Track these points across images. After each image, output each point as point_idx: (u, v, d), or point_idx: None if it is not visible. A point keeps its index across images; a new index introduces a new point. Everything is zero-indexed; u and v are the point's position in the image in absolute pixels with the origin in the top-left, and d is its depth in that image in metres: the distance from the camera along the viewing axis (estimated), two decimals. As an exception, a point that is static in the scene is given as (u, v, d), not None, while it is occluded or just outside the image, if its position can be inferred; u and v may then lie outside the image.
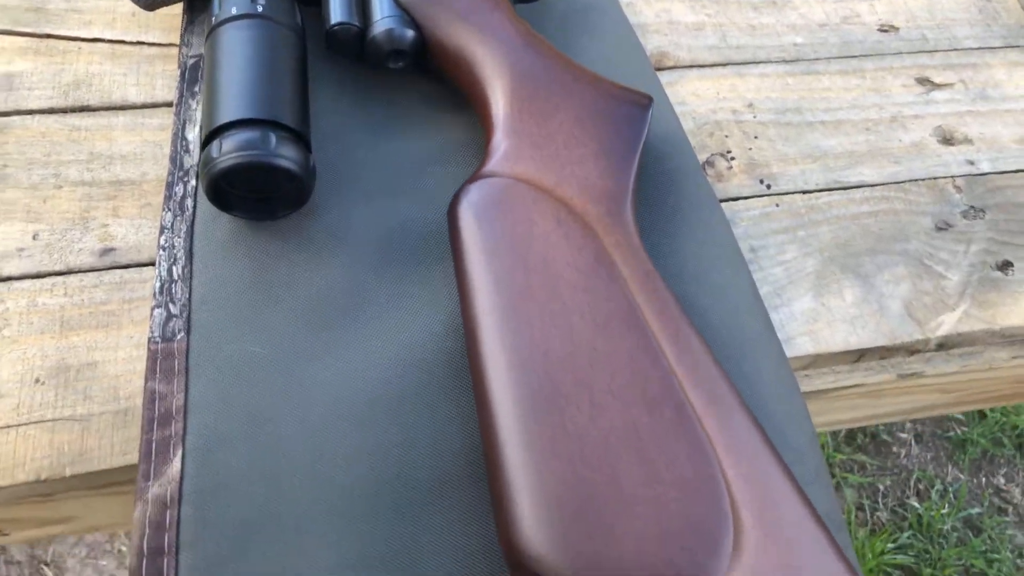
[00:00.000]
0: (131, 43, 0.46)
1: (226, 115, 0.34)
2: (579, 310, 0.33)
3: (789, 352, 0.41)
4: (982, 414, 1.49)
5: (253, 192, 0.36)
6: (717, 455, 0.30)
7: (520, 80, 0.39)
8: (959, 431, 1.48)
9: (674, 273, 0.39)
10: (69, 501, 0.37)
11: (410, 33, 0.41)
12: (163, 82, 0.45)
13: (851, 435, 1.46)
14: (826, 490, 0.35)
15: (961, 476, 1.42)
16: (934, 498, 1.38)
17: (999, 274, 0.44)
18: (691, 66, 0.51)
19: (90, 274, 0.39)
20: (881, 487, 1.39)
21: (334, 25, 0.41)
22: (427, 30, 0.41)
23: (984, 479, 1.44)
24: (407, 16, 0.41)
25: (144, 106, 0.44)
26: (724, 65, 0.51)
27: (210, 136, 0.35)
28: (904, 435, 1.47)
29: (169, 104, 0.44)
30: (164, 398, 0.33)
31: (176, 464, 0.31)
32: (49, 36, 0.46)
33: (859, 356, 0.42)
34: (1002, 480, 1.43)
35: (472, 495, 0.33)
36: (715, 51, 0.52)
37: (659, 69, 0.50)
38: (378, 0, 0.41)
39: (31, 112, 0.43)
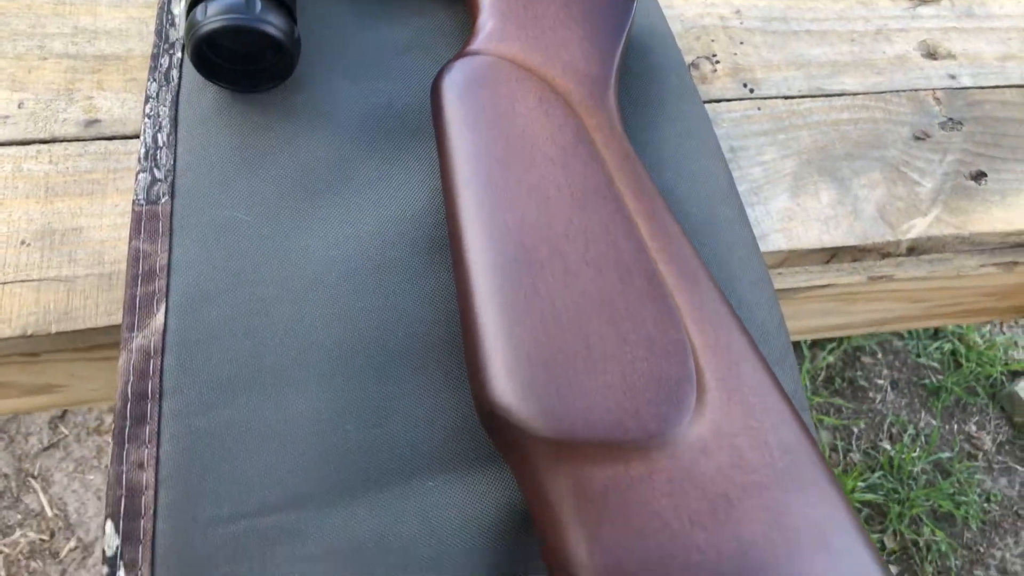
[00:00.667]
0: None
1: (215, -15, 0.34)
2: (556, 183, 0.33)
3: (763, 247, 0.42)
4: (957, 362, 1.52)
5: (238, 62, 0.36)
6: (684, 322, 0.31)
7: (508, -37, 0.39)
8: (934, 379, 1.50)
9: (653, 161, 0.39)
10: (55, 365, 0.38)
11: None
12: (150, -38, 0.45)
13: (829, 379, 1.49)
14: (791, 372, 0.36)
15: (933, 422, 1.45)
16: (906, 442, 1.41)
17: (972, 183, 0.45)
18: (681, -30, 0.51)
19: (75, 143, 0.39)
20: (856, 430, 1.42)
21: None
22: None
23: (956, 426, 1.47)
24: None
25: (130, -15, 0.44)
26: (714, -30, 0.52)
27: (195, 1, 0.35)
28: (880, 381, 1.50)
29: (156, -16, 0.44)
30: (148, 256, 0.33)
31: (160, 317, 0.32)
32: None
33: (831, 255, 0.43)
34: (973, 427, 1.47)
35: (448, 364, 0.34)
36: (706, -43, 0.52)
37: (649, -28, 0.50)
38: None
39: (16, -15, 0.43)
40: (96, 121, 0.39)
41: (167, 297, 0.33)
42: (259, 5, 0.34)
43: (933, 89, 0.49)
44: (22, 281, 0.35)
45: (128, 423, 0.30)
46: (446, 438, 0.32)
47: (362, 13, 0.42)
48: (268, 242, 0.35)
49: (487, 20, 0.38)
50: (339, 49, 0.41)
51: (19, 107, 0.39)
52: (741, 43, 0.49)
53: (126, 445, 0.30)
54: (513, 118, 0.35)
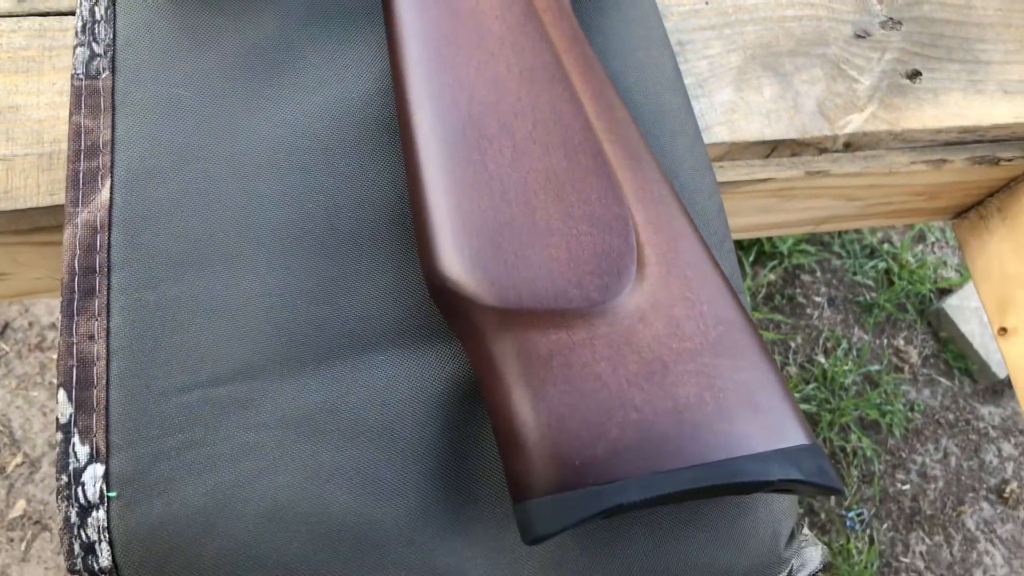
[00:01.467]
0: None
1: None
2: (505, 61, 0.34)
3: (707, 139, 0.43)
4: (890, 281, 1.58)
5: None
6: (627, 200, 0.32)
7: None
8: (868, 296, 1.56)
9: (601, 47, 0.40)
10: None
11: None
12: None
13: (769, 296, 1.53)
14: (730, 256, 0.38)
15: (865, 336, 1.52)
16: (839, 355, 1.47)
17: (907, 82, 0.47)
18: None
19: (7, 19, 0.37)
20: (792, 344, 1.48)
21: None
22: None
23: (886, 340, 1.54)
24: None
25: None
26: None
27: None
28: (818, 299, 1.55)
29: None
30: (91, 132, 0.33)
31: (105, 193, 0.32)
32: None
33: (772, 149, 0.44)
34: (902, 342, 1.54)
35: (398, 242, 0.34)
36: None
37: None
38: None
39: None
40: (28, -4, 0.38)
41: (112, 173, 0.32)
42: None
43: (875, -11, 0.50)
44: (-42, 158, 0.34)
45: (76, 296, 0.30)
46: (397, 314, 0.33)
47: None
48: (214, 121, 0.34)
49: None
50: None
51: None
52: (691, -62, 0.48)
53: (75, 317, 0.30)
54: (461, -2, 0.35)
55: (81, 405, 0.29)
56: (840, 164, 0.47)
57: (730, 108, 0.43)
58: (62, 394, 0.29)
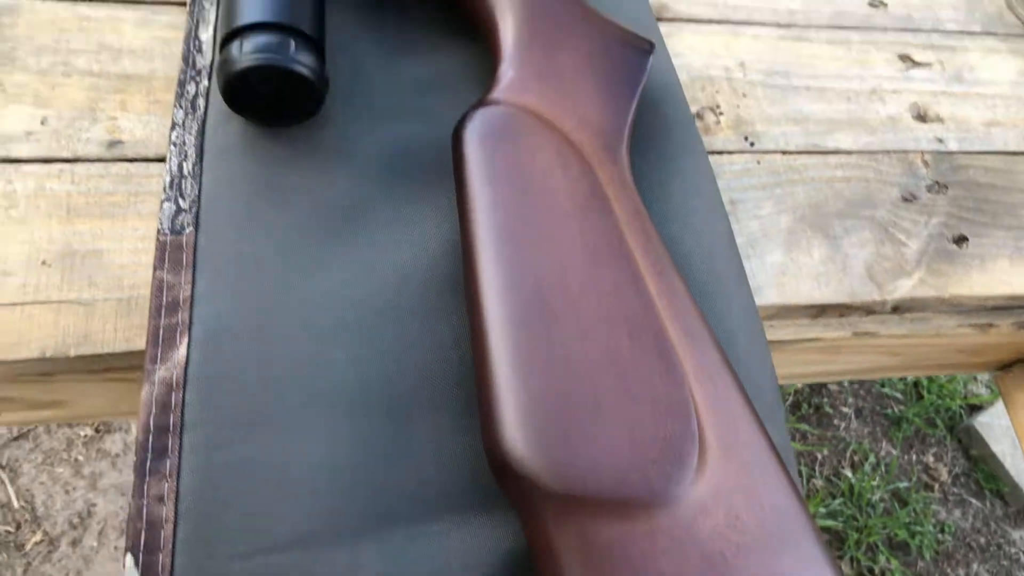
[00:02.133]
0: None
1: (247, 16, 0.35)
2: (572, 239, 0.35)
3: (758, 300, 0.43)
4: (919, 394, 1.57)
5: (267, 96, 0.37)
6: (688, 381, 0.33)
7: (531, 12, 0.40)
8: (896, 409, 1.55)
9: (660, 214, 0.41)
10: (67, 384, 0.39)
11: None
12: (175, -17, 0.46)
13: (796, 405, 1.52)
14: (780, 426, 0.38)
15: (893, 451, 1.49)
16: (867, 470, 1.45)
17: (954, 247, 0.48)
18: (689, 20, 0.53)
19: (97, 164, 0.39)
20: (819, 456, 1.46)
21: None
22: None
23: (915, 456, 1.51)
24: (426, -59, 0.42)
25: (154, 2, 0.45)
26: (720, 23, 0.53)
27: (229, 36, 0.36)
28: (846, 409, 1.54)
29: (179, 3, 0.45)
30: (172, 288, 0.34)
31: (182, 350, 0.33)
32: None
33: (820, 311, 0.45)
34: (931, 459, 1.51)
35: (460, 409, 0.35)
36: (712, 7, 0.54)
37: (658, 20, 0.52)
38: None
39: (41, -1, 0.43)
40: (119, 143, 0.40)
41: (190, 330, 0.33)
42: (292, 45, 0.35)
43: (922, 151, 0.51)
44: (42, 303, 0.36)
45: (150, 456, 0.31)
46: (454, 483, 0.33)
47: (386, 45, 0.44)
48: (289, 280, 0.36)
49: (508, 68, 0.40)
50: (363, 83, 0.42)
51: (42, 124, 0.40)
52: (744, 96, 0.50)
53: (147, 478, 0.30)
54: (532, 171, 0.36)
55: (147, 570, 0.29)
56: (887, 326, 0.48)
57: (780, 270, 0.44)
58: (129, 559, 0.29)
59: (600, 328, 0.33)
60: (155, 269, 0.34)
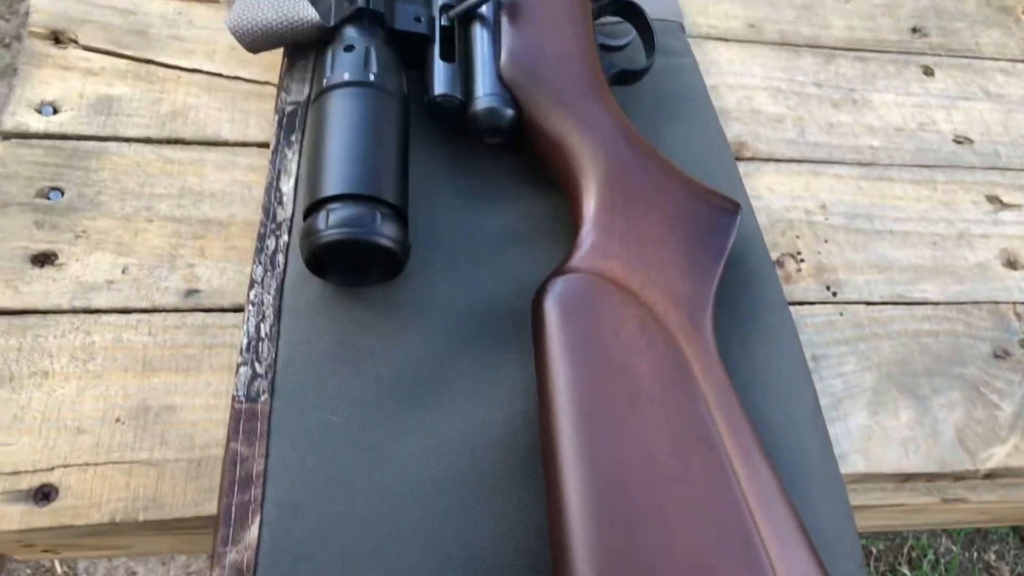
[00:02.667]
0: (228, 77, 0.47)
1: (331, 187, 0.35)
2: (657, 425, 0.34)
3: (842, 467, 0.41)
4: (981, 489, 1.50)
5: (349, 263, 0.37)
6: (778, 586, 0.31)
7: (615, 177, 0.40)
8: (956, 502, 1.48)
9: (744, 381, 0.39)
10: (133, 537, 0.38)
11: (510, 113, 0.41)
12: (256, 121, 0.46)
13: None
14: None
15: (954, 548, 1.43)
16: (925, 568, 1.38)
17: (1050, 409, 0.45)
18: (768, 159, 0.52)
19: (174, 314, 0.39)
20: (874, 550, 1.40)
21: (437, 96, 0.41)
22: (527, 111, 0.42)
23: (976, 554, 1.44)
24: (509, 94, 0.42)
25: (236, 144, 0.45)
26: (800, 162, 0.52)
27: (314, 206, 0.35)
28: (901, 500, 1.48)
29: (261, 144, 0.45)
30: (245, 461, 0.34)
31: (253, 531, 0.32)
32: (150, 62, 0.46)
33: (907, 478, 0.43)
34: (993, 556, 1.44)
35: None
36: (793, 146, 0.53)
37: (737, 159, 0.51)
38: (482, 75, 0.42)
39: (128, 140, 0.44)
40: (195, 291, 0.40)
41: (262, 508, 0.33)
42: (377, 217, 0.35)
43: (1014, 303, 0.49)
44: (114, 463, 0.35)
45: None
46: None
47: (465, 195, 0.43)
48: (362, 450, 0.35)
49: (590, 232, 0.39)
50: (442, 237, 0.41)
51: (123, 272, 0.40)
52: (825, 241, 0.49)
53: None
54: (615, 348, 0.35)
55: None
56: (978, 492, 0.45)
57: (866, 434, 0.42)
58: None
59: (686, 530, 0.31)
60: (229, 440, 0.34)
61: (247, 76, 0.47)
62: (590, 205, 0.39)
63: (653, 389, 0.35)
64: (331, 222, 0.34)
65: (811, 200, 0.51)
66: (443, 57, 0.42)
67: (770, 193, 0.50)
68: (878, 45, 0.59)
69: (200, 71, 0.47)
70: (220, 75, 0.47)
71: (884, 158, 0.54)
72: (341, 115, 0.37)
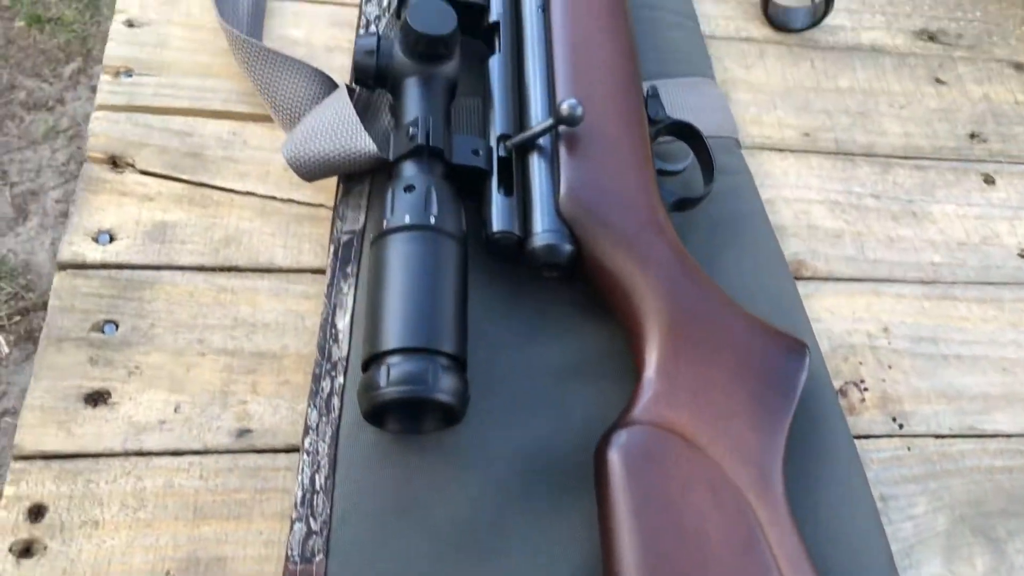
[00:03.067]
0: (282, 200, 0.47)
1: (392, 340, 0.34)
2: (731, 599, 0.32)
3: (916, 625, 0.39)
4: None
5: (406, 412, 0.36)
6: None
7: (679, 321, 0.39)
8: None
9: (811, 535, 0.38)
10: None
11: (568, 249, 0.40)
12: (310, 246, 0.46)
13: None
14: None
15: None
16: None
17: None
18: (828, 278, 0.50)
19: (226, 456, 0.39)
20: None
21: (495, 233, 0.41)
22: (587, 246, 0.41)
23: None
24: (567, 230, 0.41)
25: (290, 270, 0.45)
26: (861, 280, 0.51)
27: (374, 358, 0.35)
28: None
29: (314, 270, 0.45)
30: (299, 630, 0.32)
31: None
32: (204, 185, 0.46)
33: (985, 631, 0.41)
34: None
35: None
36: (852, 263, 0.51)
37: (796, 278, 0.49)
38: (540, 209, 0.41)
39: (181, 268, 0.44)
40: (248, 431, 0.39)
41: None
42: (437, 372, 0.34)
43: (1090, 434, 0.47)
44: (163, 623, 0.34)
45: None
46: None
47: (522, 330, 0.42)
48: (419, 614, 0.33)
49: (654, 380, 0.37)
50: (499, 376, 0.40)
51: (175, 411, 0.39)
52: (889, 367, 0.47)
53: None
54: (684, 509, 0.34)
55: None
56: (1060, 644, 0.43)
57: (941, 585, 0.40)
58: None
59: None
60: (283, 607, 0.33)
61: (301, 199, 0.47)
62: (653, 350, 0.38)
63: (723, 555, 0.33)
64: (392, 378, 0.34)
65: (873, 322, 0.49)
66: (501, 191, 0.42)
67: (830, 315, 0.49)
68: (936, 152, 0.58)
69: (254, 194, 0.47)
70: (274, 198, 0.47)
71: (947, 275, 0.52)
72: (401, 261, 0.37)
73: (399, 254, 0.37)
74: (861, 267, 0.51)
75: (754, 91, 0.58)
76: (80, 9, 1.68)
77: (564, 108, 0.40)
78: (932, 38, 0.64)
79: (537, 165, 0.42)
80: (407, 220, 0.38)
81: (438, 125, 0.41)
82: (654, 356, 0.38)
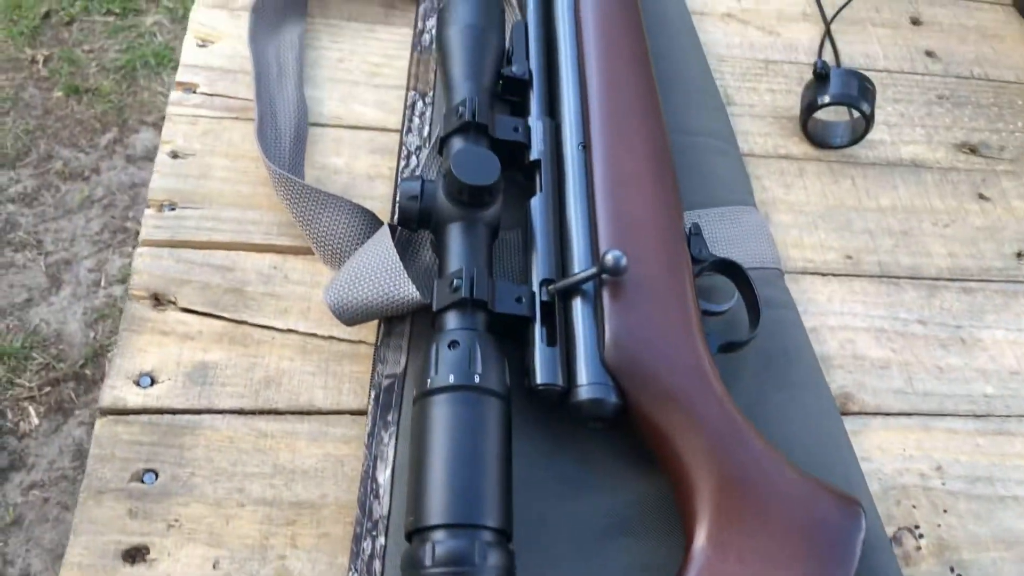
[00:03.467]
0: (323, 337, 0.46)
1: (436, 515, 0.34)
2: None
3: None
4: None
5: None
6: None
7: (729, 486, 0.37)
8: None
9: None
10: None
11: (614, 402, 0.40)
12: (350, 386, 0.45)
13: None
14: None
15: None
16: None
17: None
18: (876, 413, 0.49)
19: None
20: None
21: (539, 385, 0.40)
22: (632, 398, 0.40)
23: None
24: (613, 382, 0.40)
25: (330, 412, 0.44)
26: (910, 415, 0.49)
27: (417, 531, 0.34)
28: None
29: (354, 411, 0.44)
30: None
31: None
32: (245, 323, 0.46)
33: None
34: None
35: None
36: (901, 396, 0.50)
37: (843, 413, 0.48)
38: (584, 360, 0.40)
39: (221, 412, 0.43)
40: (293, 589, 0.38)
41: None
42: (482, 550, 0.33)
43: None
44: None
45: None
46: None
47: (566, 480, 0.41)
48: None
49: (704, 549, 0.36)
50: (544, 528, 0.39)
51: (214, 567, 0.39)
52: (944, 511, 0.46)
53: None
54: None
55: None
56: None
57: None
58: None
59: None
60: None
61: (341, 335, 0.47)
62: (703, 517, 0.37)
63: None
64: (437, 558, 0.33)
65: (925, 461, 0.47)
66: (544, 339, 0.41)
67: (880, 454, 0.47)
68: (982, 274, 0.56)
69: (295, 331, 0.47)
70: (315, 335, 0.47)
71: (1000, 408, 0.50)
72: (445, 425, 0.36)
73: (443, 417, 0.36)
74: (910, 400, 0.50)
75: (794, 212, 0.57)
76: (117, 80, 1.72)
77: (609, 259, 0.40)
78: (974, 151, 0.63)
79: (580, 311, 0.42)
80: (451, 380, 0.37)
81: (482, 276, 0.41)
82: (704, 523, 0.37)
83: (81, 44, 1.83)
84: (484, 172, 0.42)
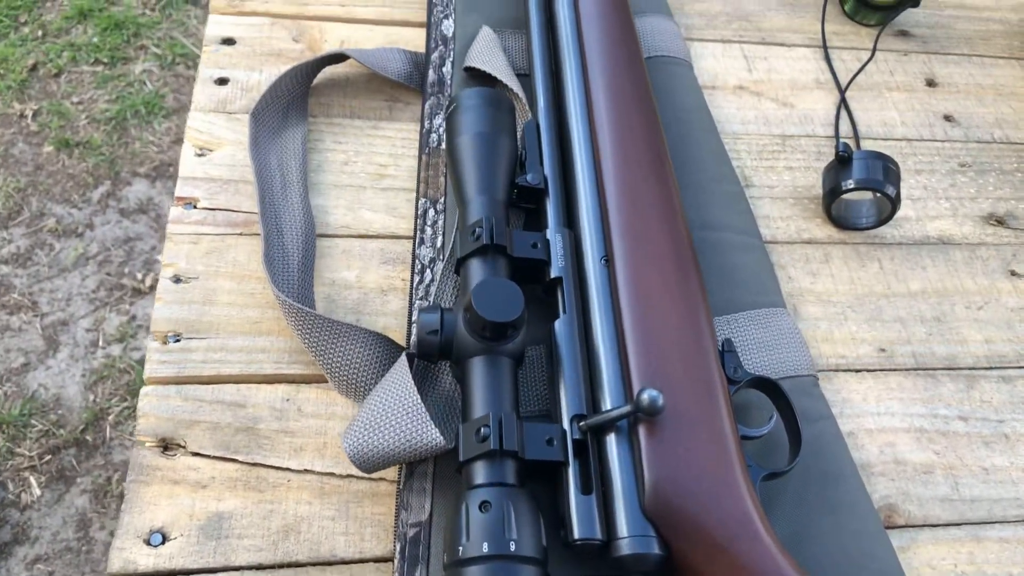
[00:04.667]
0: (340, 476, 0.44)
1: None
2: None
3: None
4: None
5: None
6: None
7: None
8: None
9: None
10: None
11: (657, 554, 0.37)
12: (372, 531, 0.43)
13: None
14: None
15: None
16: None
17: None
18: (923, 525, 0.47)
19: None
20: None
21: (577, 540, 0.38)
22: (677, 548, 0.38)
23: None
24: (655, 532, 0.38)
25: (353, 561, 0.42)
26: (959, 525, 0.47)
27: None
28: None
29: (377, 559, 0.42)
30: None
31: None
32: (259, 465, 0.44)
33: None
34: None
35: None
36: (948, 505, 0.48)
37: (888, 527, 0.46)
38: (624, 509, 0.38)
39: (239, 568, 0.41)
40: None
41: None
42: None
43: None
44: None
45: None
46: None
47: None
48: None
49: None
50: None
51: None
52: (1002, 634, 0.43)
53: None
54: None
55: None
56: None
57: None
58: None
59: None
60: None
61: (360, 474, 0.44)
62: None
63: None
64: None
65: (978, 578, 0.45)
66: (579, 486, 0.39)
67: (931, 572, 0.45)
68: (1021, 359, 0.54)
69: (311, 471, 0.44)
70: (332, 474, 0.44)
71: (1053, 521, 0.48)
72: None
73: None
74: (958, 509, 0.48)
75: (823, 303, 0.55)
76: (108, 131, 1.70)
77: (645, 399, 0.37)
78: (1000, 222, 0.61)
79: (616, 451, 0.40)
80: (485, 549, 0.35)
81: (510, 421, 0.39)
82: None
83: (70, 96, 1.81)
84: (507, 307, 0.40)
